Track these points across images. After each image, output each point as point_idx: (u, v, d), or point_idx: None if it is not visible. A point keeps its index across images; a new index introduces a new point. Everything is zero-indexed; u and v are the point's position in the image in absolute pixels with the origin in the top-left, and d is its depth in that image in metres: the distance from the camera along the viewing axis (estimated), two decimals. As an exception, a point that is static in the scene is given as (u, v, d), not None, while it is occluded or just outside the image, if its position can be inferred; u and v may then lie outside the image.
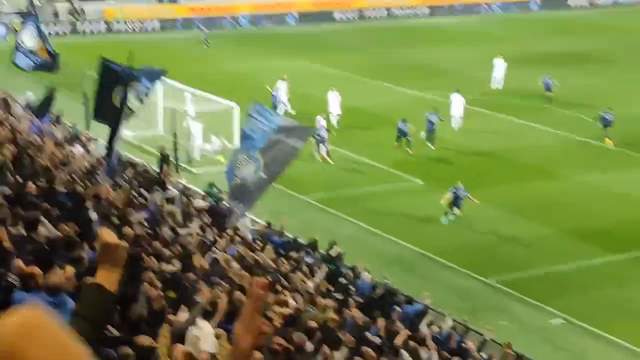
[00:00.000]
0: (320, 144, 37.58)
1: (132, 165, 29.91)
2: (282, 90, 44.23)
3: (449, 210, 31.41)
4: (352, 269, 24.16)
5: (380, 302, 21.85)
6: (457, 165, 37.73)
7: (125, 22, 68.30)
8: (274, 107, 42.54)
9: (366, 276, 23.37)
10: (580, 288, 27.16)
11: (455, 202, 31.34)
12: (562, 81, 48.36)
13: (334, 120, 42.08)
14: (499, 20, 76.64)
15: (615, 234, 30.84)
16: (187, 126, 37.06)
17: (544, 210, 32.87)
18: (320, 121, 38.73)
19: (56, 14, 66.97)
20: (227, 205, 22.77)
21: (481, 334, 21.78)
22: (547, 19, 76.67)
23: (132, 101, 20.72)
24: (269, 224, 26.36)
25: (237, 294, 14.88)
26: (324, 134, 37.59)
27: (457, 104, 42.82)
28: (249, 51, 61.14)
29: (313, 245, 25.23)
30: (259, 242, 23.48)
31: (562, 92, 48.19)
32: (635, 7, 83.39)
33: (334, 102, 42.63)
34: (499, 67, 50.87)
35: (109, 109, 20.60)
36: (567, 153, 39.75)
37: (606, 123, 40.12)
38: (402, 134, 38.92)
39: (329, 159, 37.44)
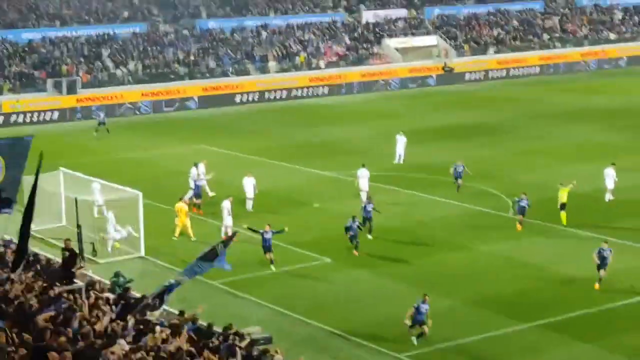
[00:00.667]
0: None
1: (36, 258, 29.34)
2: (201, 177, 43.85)
3: (413, 329, 28.36)
4: (264, 351, 23.92)
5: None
6: (365, 241, 37.96)
7: (23, 113, 67.64)
8: (197, 196, 42.13)
9: (278, 359, 23.17)
10: (492, 359, 27.41)
11: (417, 318, 28.26)
12: (461, 153, 49.18)
13: (249, 205, 42.00)
14: (397, 96, 78.05)
15: (521, 302, 31.30)
16: (100, 216, 36.87)
17: (451, 282, 33.25)
18: (227, 206, 38.71)
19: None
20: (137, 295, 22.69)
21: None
22: (444, 93, 78.41)
23: None
24: (181, 312, 25.92)
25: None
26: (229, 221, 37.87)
27: (364, 179, 43.49)
28: (151, 138, 61.05)
29: (227, 330, 24.88)
30: (166, 330, 23.04)
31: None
32: (525, 79, 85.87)
33: (249, 187, 42.58)
34: (401, 142, 51.70)
35: None
36: (469, 224, 40.36)
37: (521, 210, 39.35)
38: (352, 234, 36.39)
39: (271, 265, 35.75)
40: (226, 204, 38.73)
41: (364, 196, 42.45)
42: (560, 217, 39.55)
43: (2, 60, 72.91)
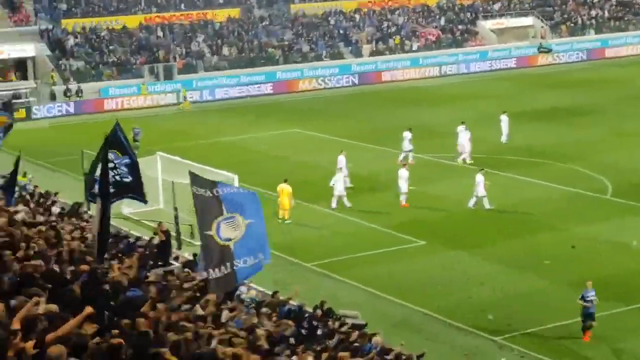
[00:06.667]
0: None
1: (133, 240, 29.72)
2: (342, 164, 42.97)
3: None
4: (362, 335, 23.69)
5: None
6: (460, 223, 37.70)
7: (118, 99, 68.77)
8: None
9: (377, 340, 23.05)
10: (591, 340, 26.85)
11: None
12: (553, 135, 48.28)
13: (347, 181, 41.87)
14: (493, 78, 77.09)
15: (618, 284, 30.62)
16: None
17: (549, 263, 32.76)
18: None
19: (53, 96, 67.41)
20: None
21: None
22: (538, 75, 77.21)
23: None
24: (275, 293, 25.92)
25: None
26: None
27: (465, 138, 47.49)
28: (245, 122, 61.41)
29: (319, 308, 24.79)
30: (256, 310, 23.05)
31: (555, 147, 48.66)
32: (623, 59, 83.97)
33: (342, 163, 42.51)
34: (505, 123, 51.40)
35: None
36: (566, 205, 39.74)
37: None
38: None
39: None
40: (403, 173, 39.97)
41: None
42: None
43: (101, 47, 74.23)
